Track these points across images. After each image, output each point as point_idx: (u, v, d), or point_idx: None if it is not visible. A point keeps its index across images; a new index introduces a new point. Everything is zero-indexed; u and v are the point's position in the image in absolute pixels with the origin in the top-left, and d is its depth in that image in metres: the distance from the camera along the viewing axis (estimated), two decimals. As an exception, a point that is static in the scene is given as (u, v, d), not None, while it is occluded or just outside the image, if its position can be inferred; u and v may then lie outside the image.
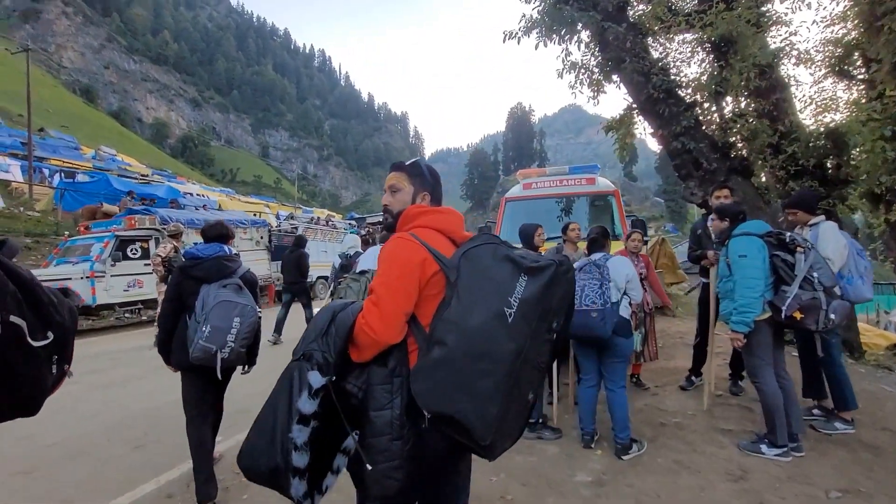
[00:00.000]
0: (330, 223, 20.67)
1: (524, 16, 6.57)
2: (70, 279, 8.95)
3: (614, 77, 6.63)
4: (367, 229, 17.18)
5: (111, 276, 9.59)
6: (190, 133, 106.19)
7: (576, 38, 6.60)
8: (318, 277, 14.24)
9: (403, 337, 1.33)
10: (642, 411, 3.87)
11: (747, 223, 3.16)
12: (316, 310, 1.99)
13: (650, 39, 6.53)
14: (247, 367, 2.89)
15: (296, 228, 15.74)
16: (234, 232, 3.16)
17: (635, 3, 6.68)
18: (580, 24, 6.38)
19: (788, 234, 2.96)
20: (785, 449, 2.91)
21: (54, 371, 1.29)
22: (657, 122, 6.18)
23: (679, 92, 6.16)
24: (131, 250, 10.11)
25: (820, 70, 6.17)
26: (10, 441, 3.58)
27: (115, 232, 10.19)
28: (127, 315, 10.20)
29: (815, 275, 2.76)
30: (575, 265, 3.32)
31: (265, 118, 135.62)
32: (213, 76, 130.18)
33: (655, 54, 6.50)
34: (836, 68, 6.02)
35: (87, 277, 9.17)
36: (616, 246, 4.61)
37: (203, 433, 2.72)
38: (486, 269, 1.31)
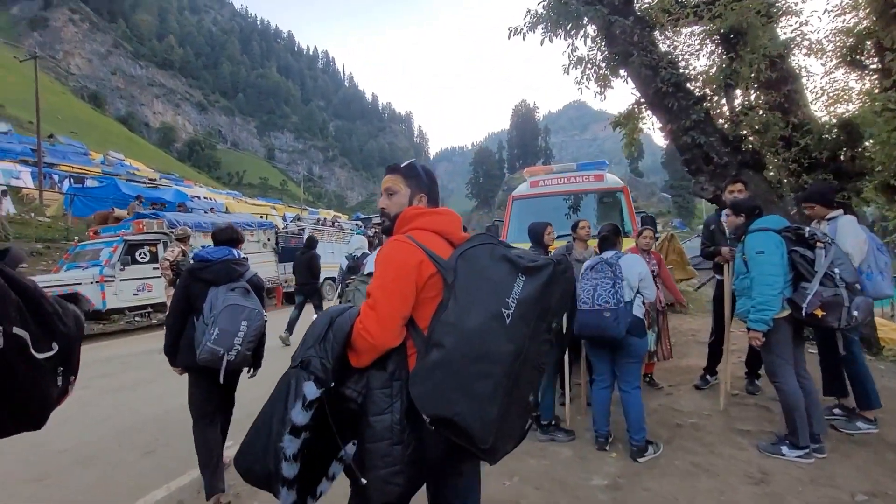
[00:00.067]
0: (336, 224, 20.70)
1: (529, 11, 6.50)
2: (80, 284, 9.03)
3: (621, 72, 6.54)
4: (373, 230, 17.17)
5: (121, 280, 9.65)
6: (196, 137, 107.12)
7: (582, 32, 6.53)
8: (326, 279, 14.23)
9: (402, 340, 1.32)
10: (657, 412, 3.80)
11: (764, 218, 3.07)
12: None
13: (658, 33, 6.43)
14: (252, 370, 2.91)
15: (302, 230, 15.75)
16: (243, 236, 3.17)
17: (642, -4, 6.60)
18: (586, 19, 6.30)
19: (807, 228, 2.87)
20: (807, 450, 2.83)
21: (59, 383, 1.26)
22: (666, 116, 6.09)
23: (688, 85, 6.06)
24: (140, 254, 10.17)
25: (831, 60, 6.05)
26: (22, 447, 3.58)
27: (123, 236, 10.26)
28: (137, 319, 10.28)
29: (836, 271, 2.68)
30: (586, 264, 3.27)
31: (270, 120, 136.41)
32: (218, 80, 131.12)
33: (663, 47, 6.41)
34: (848, 58, 5.89)
35: (96, 282, 9.23)
36: (627, 243, 4.53)
37: (208, 434, 2.72)
38: (483, 269, 1.30)
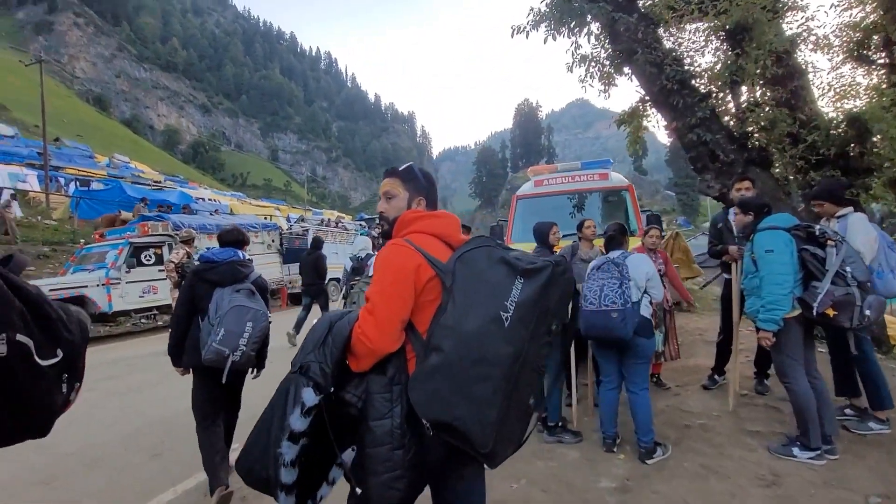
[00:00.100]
0: (340, 225, 20.74)
1: (532, 9, 6.46)
2: (86, 286, 9.09)
3: (626, 69, 6.48)
4: (377, 230, 17.16)
5: (126, 282, 9.70)
6: (200, 139, 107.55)
7: (585, 30, 6.47)
8: (330, 279, 14.24)
9: (401, 345, 1.31)
10: (665, 412, 3.76)
11: (772, 216, 3.02)
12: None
13: (662, 29, 6.37)
14: (256, 370, 2.92)
15: (306, 231, 15.77)
16: (249, 238, 3.19)
17: (646, -7, 6.54)
18: (590, 16, 6.25)
19: (818, 226, 2.83)
20: (818, 452, 2.78)
21: (64, 390, 1.25)
22: (671, 113, 6.04)
23: (693, 82, 6.00)
24: (145, 257, 10.22)
25: (838, 55, 5.99)
26: (28, 450, 3.57)
27: (129, 239, 10.31)
28: (143, 321, 10.33)
29: (847, 269, 2.63)
30: (592, 264, 3.24)
31: (274, 122, 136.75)
32: (221, 82, 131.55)
33: (668, 44, 6.34)
34: (855, 53, 5.83)
35: (102, 285, 9.28)
36: (632, 242, 4.49)
37: (211, 434, 2.73)
38: (482, 272, 1.30)
